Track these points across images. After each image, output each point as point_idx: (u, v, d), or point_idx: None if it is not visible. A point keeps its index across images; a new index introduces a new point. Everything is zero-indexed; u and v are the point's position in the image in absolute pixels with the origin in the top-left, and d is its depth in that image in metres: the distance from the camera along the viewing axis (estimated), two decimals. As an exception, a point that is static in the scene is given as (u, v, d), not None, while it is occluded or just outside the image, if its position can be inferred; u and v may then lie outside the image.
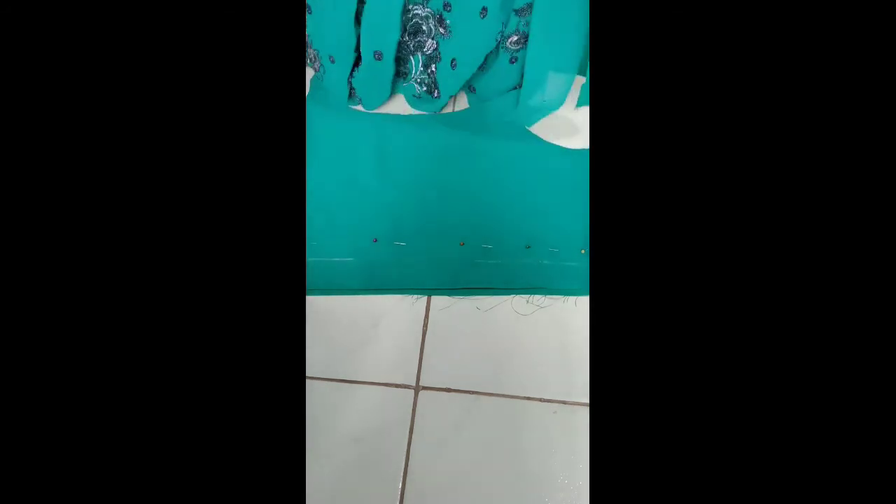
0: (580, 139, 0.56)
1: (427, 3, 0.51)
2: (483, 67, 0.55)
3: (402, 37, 0.53)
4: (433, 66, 0.56)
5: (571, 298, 0.48)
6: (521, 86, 0.54)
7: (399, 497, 0.41)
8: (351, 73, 0.57)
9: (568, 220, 0.51)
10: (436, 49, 0.54)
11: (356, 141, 0.56)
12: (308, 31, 0.56)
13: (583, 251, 0.49)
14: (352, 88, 0.59)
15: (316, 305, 0.48)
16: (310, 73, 0.62)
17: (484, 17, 0.49)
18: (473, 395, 0.44)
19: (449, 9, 0.50)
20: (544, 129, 0.57)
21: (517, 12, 0.49)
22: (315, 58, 0.58)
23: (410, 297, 0.49)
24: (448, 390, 0.45)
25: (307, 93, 0.60)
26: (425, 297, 0.49)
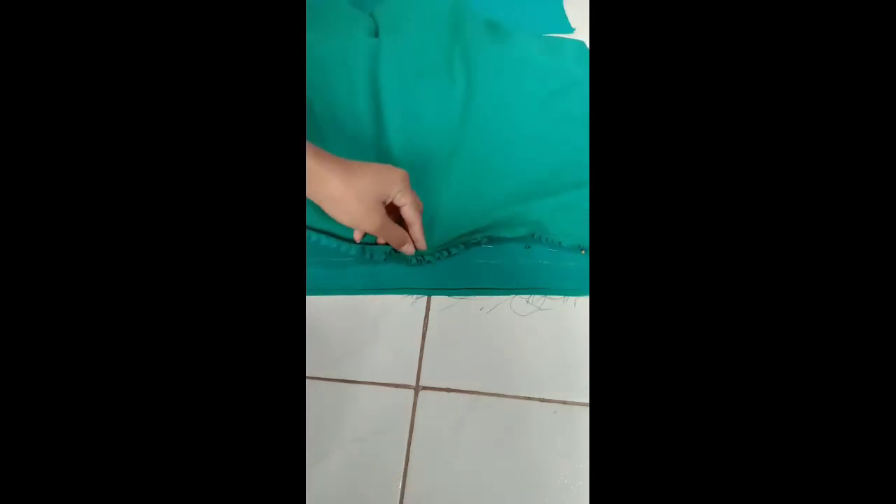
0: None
1: None
2: None
3: None
4: None
5: (571, 298, 0.48)
6: None
7: (399, 497, 0.41)
8: None
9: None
10: None
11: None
12: None
13: (583, 251, 0.49)
14: None
15: (316, 305, 0.48)
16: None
17: None
18: (473, 395, 0.44)
19: None
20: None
21: None
22: None
23: (410, 297, 0.48)
24: (448, 390, 0.45)
25: None
26: (425, 297, 0.48)
